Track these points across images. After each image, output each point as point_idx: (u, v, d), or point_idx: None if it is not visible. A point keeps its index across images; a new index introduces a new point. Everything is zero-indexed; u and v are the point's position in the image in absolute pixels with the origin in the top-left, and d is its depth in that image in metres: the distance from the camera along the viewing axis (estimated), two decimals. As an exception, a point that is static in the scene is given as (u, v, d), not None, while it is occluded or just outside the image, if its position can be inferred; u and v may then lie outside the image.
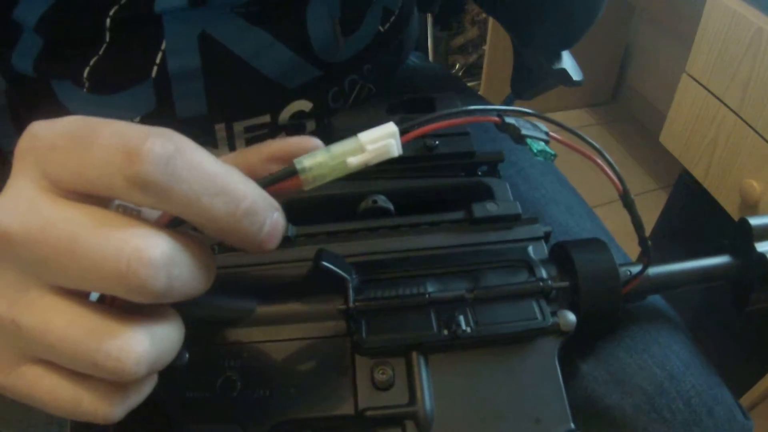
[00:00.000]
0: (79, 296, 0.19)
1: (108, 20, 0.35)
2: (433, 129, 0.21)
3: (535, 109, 0.23)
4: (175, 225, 0.19)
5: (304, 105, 0.45)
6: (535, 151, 0.23)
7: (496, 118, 0.22)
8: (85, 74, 0.38)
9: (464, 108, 0.22)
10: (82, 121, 0.18)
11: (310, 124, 0.47)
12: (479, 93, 1.53)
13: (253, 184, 0.19)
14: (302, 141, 0.22)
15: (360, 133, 0.21)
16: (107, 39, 0.37)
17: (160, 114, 0.40)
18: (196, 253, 0.19)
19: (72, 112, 0.40)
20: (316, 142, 0.22)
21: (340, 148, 0.21)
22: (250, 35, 0.39)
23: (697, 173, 0.98)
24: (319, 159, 0.20)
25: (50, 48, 0.37)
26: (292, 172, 0.20)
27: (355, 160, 0.20)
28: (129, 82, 0.39)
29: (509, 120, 0.22)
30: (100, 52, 0.37)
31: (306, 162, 0.20)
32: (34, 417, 0.37)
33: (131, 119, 0.40)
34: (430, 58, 0.84)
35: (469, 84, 1.67)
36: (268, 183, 0.20)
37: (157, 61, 0.38)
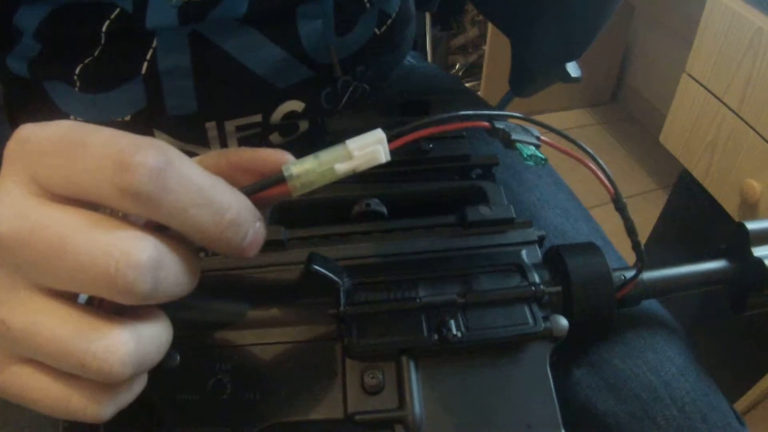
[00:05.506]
0: (68, 298, 0.19)
1: (102, 32, 0.36)
2: (421, 135, 0.21)
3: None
4: (161, 228, 0.19)
5: (297, 105, 0.44)
6: (525, 155, 0.23)
7: (486, 124, 0.22)
8: (76, 73, 0.38)
9: (453, 114, 0.22)
10: (72, 126, 0.18)
11: (303, 125, 0.46)
12: (479, 93, 1.53)
13: (238, 194, 0.20)
14: (272, 155, 0.22)
15: (348, 140, 0.21)
16: (102, 42, 0.37)
17: (151, 111, 0.40)
18: (181, 255, 0.19)
19: (64, 111, 0.41)
20: (287, 157, 0.21)
21: (327, 154, 0.21)
22: (240, 33, 0.39)
23: (697, 173, 0.98)
24: (307, 166, 0.20)
25: (47, 52, 0.38)
26: (280, 180, 0.20)
27: (342, 167, 0.20)
28: (119, 80, 0.39)
29: (499, 125, 0.22)
30: (95, 54, 0.37)
31: (294, 169, 0.20)
32: (27, 417, 0.37)
33: (123, 117, 0.40)
34: (429, 58, 0.84)
35: (469, 84, 1.67)
36: (256, 190, 0.21)
37: (148, 57, 0.38)
